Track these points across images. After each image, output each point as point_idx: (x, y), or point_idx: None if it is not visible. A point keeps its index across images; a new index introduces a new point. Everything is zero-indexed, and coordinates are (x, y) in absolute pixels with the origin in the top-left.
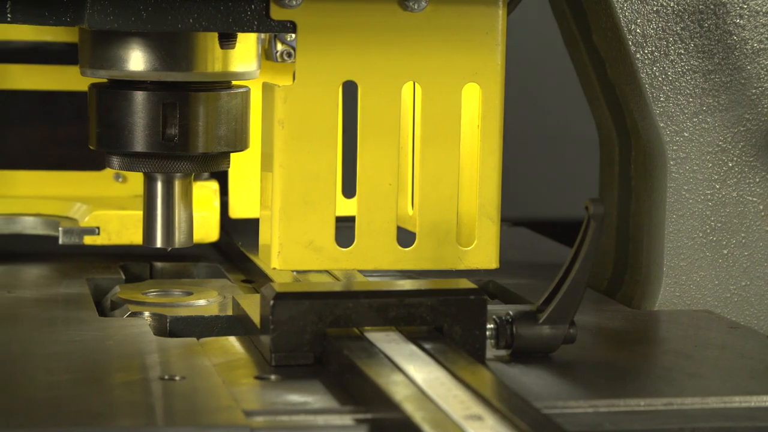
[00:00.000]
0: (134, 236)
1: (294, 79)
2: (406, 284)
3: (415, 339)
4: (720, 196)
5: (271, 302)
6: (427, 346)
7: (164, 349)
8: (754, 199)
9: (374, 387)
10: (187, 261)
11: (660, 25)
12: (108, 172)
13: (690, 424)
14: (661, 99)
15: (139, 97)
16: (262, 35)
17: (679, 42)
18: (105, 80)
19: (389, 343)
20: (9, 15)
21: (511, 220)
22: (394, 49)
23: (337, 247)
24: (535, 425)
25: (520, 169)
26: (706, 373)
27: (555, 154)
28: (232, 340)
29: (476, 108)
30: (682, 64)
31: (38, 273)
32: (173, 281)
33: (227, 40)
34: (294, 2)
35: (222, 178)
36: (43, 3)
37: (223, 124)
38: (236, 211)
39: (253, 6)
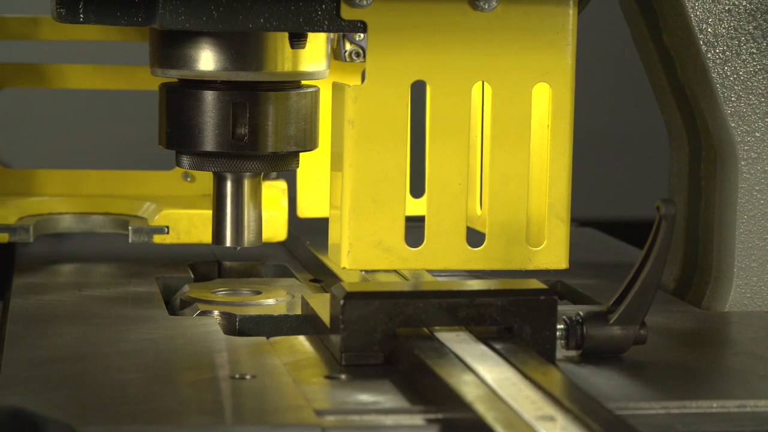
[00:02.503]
0: (203, 235)
1: (362, 78)
2: (476, 284)
3: (485, 339)
4: None
5: (342, 302)
6: (498, 346)
7: (234, 348)
8: None
9: (445, 387)
10: (255, 260)
11: (732, 24)
12: (177, 172)
13: (764, 427)
14: (733, 99)
15: (209, 96)
16: (331, 35)
17: (751, 41)
18: (175, 80)
19: (459, 343)
20: (81, 15)
21: (578, 221)
22: (464, 49)
23: (407, 246)
24: (608, 426)
25: (588, 169)
26: None
27: (624, 155)
28: (302, 340)
29: (546, 108)
30: (754, 63)
31: (108, 272)
32: (241, 280)
33: (298, 39)
34: (365, 2)
35: (290, 178)
36: (115, 3)
37: (292, 124)
38: (304, 211)
39: (323, 6)
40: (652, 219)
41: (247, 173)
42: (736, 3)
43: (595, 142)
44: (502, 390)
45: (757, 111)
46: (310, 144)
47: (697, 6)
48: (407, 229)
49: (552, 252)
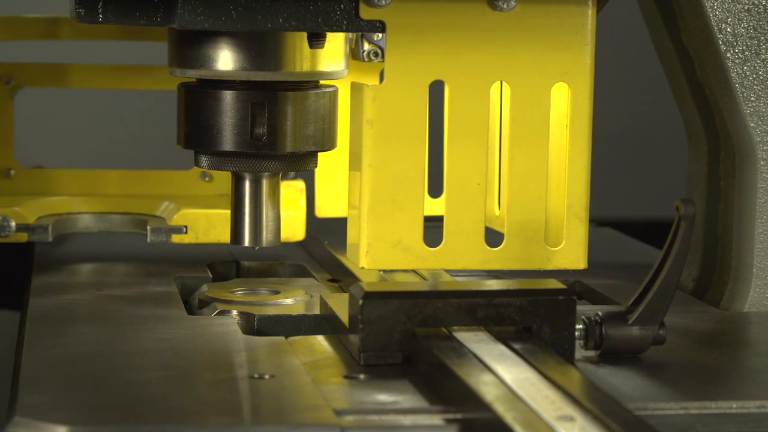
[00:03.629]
0: (221, 235)
1: (381, 78)
2: (495, 284)
3: (503, 339)
4: None
5: (361, 301)
6: (516, 346)
7: (252, 348)
8: None
9: (464, 387)
10: (274, 260)
11: (751, 23)
12: (195, 171)
13: None
14: (752, 99)
15: (228, 96)
16: (350, 35)
17: None
18: (194, 80)
19: (478, 343)
20: (101, 15)
21: (596, 221)
22: (483, 49)
23: (425, 246)
24: (628, 427)
25: (606, 169)
26: None
27: (642, 155)
28: (320, 339)
29: (565, 108)
30: None
31: (126, 271)
32: (260, 280)
33: (316, 39)
34: (383, 2)
35: (308, 178)
36: (134, 3)
37: (311, 124)
38: (322, 211)
39: (342, 6)
40: (671, 219)
41: (266, 173)
42: (756, 2)
43: (614, 142)
44: (521, 390)
45: None
46: (328, 144)
47: (717, 6)
48: (426, 229)
49: (571, 252)
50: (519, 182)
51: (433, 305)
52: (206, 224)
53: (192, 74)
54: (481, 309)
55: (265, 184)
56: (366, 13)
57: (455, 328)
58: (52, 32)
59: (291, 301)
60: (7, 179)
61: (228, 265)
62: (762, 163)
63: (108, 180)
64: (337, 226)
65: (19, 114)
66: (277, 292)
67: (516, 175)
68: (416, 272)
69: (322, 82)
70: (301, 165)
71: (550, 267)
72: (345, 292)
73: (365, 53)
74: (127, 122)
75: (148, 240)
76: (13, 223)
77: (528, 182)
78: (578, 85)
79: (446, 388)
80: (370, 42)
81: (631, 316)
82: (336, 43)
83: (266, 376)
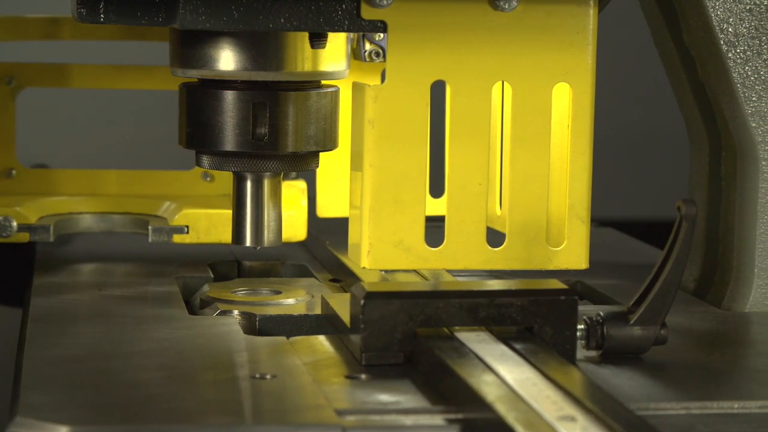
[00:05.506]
0: (223, 235)
1: (382, 78)
2: (496, 284)
3: (505, 339)
4: None
5: (362, 301)
6: (518, 346)
7: (254, 348)
8: None
9: (466, 387)
10: (275, 260)
11: (753, 23)
12: (196, 171)
13: None
14: (753, 99)
15: (230, 96)
16: (351, 35)
17: None
18: (195, 80)
19: (480, 343)
20: (102, 15)
21: (598, 221)
22: (485, 49)
23: (427, 246)
24: (629, 427)
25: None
26: None
27: (644, 155)
28: (322, 339)
29: (567, 108)
30: None
31: (128, 271)
32: (261, 280)
33: (318, 39)
34: (385, 2)
35: (310, 178)
36: (136, 3)
37: (312, 124)
38: (324, 211)
39: (344, 6)
40: (673, 219)
41: (267, 173)
42: (758, 2)
43: (615, 142)
44: (522, 390)
45: None
46: (330, 144)
47: (718, 5)
48: (427, 229)
49: (572, 252)
50: (520, 182)
51: (435, 305)
52: (208, 224)
53: (193, 74)
54: (482, 309)
55: (266, 184)
56: (367, 13)
57: (457, 328)
58: (54, 32)
59: (292, 301)
60: (9, 179)
61: (229, 265)
62: (763, 163)
63: (109, 180)
64: (339, 226)
65: (20, 114)
66: (278, 292)
67: (517, 175)
68: (417, 272)
69: (323, 82)
70: (303, 165)
71: (551, 267)
72: (346, 292)
73: (367, 53)
74: (128, 122)
75: (150, 240)
76: (14, 223)
77: (529, 182)
78: (580, 85)
79: (448, 388)
80: (372, 42)
81: (632, 317)
82: (337, 43)
83: (268, 376)
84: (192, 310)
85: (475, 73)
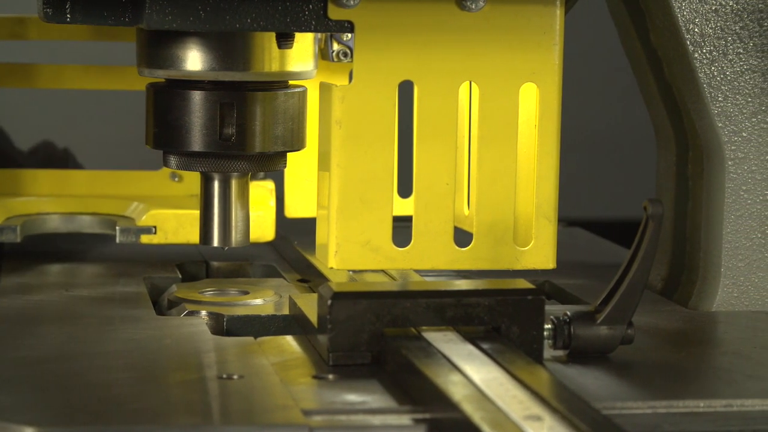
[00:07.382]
0: (190, 235)
1: (350, 78)
2: (464, 284)
3: (472, 339)
4: None
5: (329, 302)
6: (485, 346)
7: (221, 348)
8: None
9: (432, 387)
10: (243, 260)
11: (719, 24)
12: (164, 172)
13: (750, 426)
14: (720, 99)
15: (197, 96)
16: (319, 35)
17: (738, 41)
18: (162, 80)
19: (447, 342)
20: (68, 15)
21: (565, 220)
22: (452, 49)
23: (394, 246)
24: (595, 426)
25: (575, 168)
26: (765, 374)
27: (611, 154)
28: (289, 340)
29: (533, 108)
30: (741, 63)
31: (95, 272)
32: (229, 280)
33: (285, 39)
34: (352, 2)
35: (277, 178)
36: (102, 3)
37: (280, 124)
38: (292, 211)
39: (311, 6)
40: (640, 219)
41: (235, 173)
42: (723, 3)
43: (583, 142)
44: (489, 390)
45: (744, 111)
46: (297, 144)
47: (684, 6)
48: (395, 229)
49: (539, 252)
50: (488, 182)
51: (402, 305)
52: (176, 224)
53: (160, 74)
54: (449, 309)
55: (234, 185)
56: (334, 13)
57: (424, 328)
58: (20, 32)
59: (260, 302)
60: None
61: (197, 265)
62: (729, 162)
63: (77, 180)
64: (307, 227)
65: None
66: (246, 293)
67: (485, 175)
68: (385, 272)
69: (291, 82)
70: (271, 165)
71: (518, 267)
72: (314, 292)
73: (334, 53)
74: (96, 122)
75: (117, 240)
76: None
77: (497, 182)
78: (547, 85)
79: (415, 388)
80: (339, 42)
81: (599, 316)
82: (305, 43)
83: (235, 377)
84: (160, 311)
85: (443, 73)
